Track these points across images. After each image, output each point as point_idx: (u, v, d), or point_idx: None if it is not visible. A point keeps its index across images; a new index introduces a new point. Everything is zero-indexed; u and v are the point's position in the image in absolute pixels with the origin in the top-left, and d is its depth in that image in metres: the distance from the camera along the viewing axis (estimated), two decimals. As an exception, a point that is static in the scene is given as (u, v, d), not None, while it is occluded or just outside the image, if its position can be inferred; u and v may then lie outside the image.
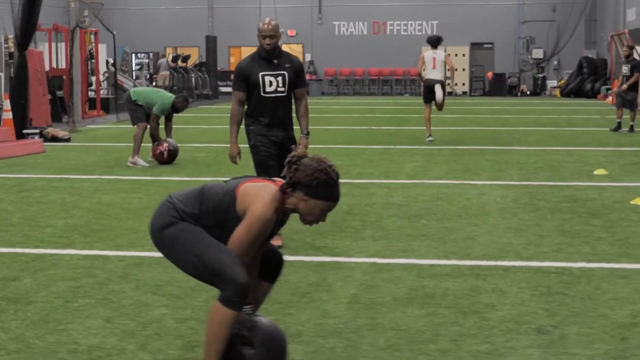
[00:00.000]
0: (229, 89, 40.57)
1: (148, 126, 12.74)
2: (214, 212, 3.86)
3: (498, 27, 39.59)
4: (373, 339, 4.71)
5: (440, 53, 16.40)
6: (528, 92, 38.95)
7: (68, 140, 16.74)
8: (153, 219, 3.98)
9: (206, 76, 35.86)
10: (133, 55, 40.24)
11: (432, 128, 16.77)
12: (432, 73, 16.29)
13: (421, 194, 9.98)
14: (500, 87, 38.67)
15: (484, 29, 39.72)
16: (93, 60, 25.19)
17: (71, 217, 8.56)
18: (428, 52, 16.41)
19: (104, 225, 8.13)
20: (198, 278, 3.90)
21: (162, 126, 13.22)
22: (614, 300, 5.53)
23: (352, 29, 41.25)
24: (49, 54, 24.22)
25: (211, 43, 36.37)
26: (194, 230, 3.87)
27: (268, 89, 6.93)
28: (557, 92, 38.01)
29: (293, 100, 7.14)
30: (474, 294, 5.67)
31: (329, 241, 7.35)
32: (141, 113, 12.70)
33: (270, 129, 7.01)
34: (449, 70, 16.87)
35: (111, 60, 29.72)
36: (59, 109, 22.49)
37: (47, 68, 24.74)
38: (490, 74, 39.12)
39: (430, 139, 16.28)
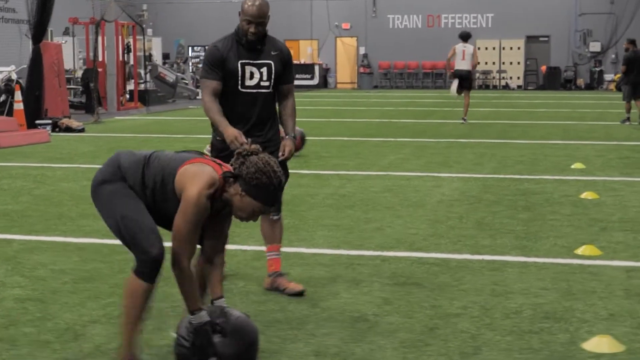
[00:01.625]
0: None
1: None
2: (153, 182, 3.91)
3: (554, 19, 38.88)
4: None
5: (469, 47, 18.77)
6: (583, 86, 38.20)
7: (82, 131, 17.13)
8: (97, 172, 4.05)
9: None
10: (189, 48, 40.87)
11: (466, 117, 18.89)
12: (461, 64, 18.66)
13: (375, 185, 9.97)
14: (554, 80, 38.00)
15: (540, 22, 39.06)
16: (130, 54, 25.55)
17: (15, 203, 8.82)
18: (459, 45, 18.78)
19: (38, 212, 8.36)
20: (120, 239, 3.94)
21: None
22: (461, 291, 5.49)
23: (406, 22, 41.04)
24: (86, 47, 24.77)
25: (262, 36, 36.64)
26: (128, 193, 3.92)
27: (248, 82, 5.33)
28: (612, 86, 37.19)
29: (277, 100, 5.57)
30: (325, 282, 5.69)
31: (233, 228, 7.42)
32: None
33: (245, 131, 5.31)
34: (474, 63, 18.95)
35: (154, 53, 30.22)
36: (92, 100, 22.97)
37: (83, 61, 25.37)
38: (544, 68, 38.47)
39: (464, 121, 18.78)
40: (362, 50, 41.45)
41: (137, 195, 3.93)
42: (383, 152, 13.31)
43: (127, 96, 25.55)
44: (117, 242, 6.23)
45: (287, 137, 5.50)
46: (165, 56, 36.80)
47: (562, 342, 4.51)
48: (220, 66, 5.33)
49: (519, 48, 39.49)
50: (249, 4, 5.25)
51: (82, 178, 10.59)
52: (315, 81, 40.26)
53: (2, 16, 31.54)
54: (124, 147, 14.06)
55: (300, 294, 5.32)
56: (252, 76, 5.34)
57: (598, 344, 4.40)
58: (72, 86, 24.04)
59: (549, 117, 21.10)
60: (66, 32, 25.85)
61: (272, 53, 5.38)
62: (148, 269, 3.82)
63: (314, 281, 5.72)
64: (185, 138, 15.62)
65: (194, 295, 3.87)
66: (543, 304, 5.18)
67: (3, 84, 18.32)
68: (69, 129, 17.01)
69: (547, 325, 4.77)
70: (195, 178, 3.78)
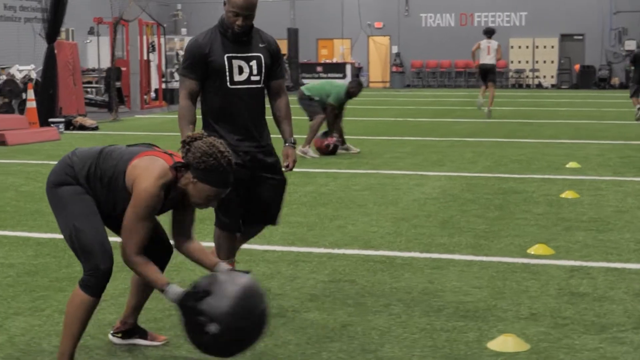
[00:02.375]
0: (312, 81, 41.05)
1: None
2: (106, 177, 3.88)
3: (589, 17, 38.45)
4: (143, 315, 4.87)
5: (494, 42, 19.90)
6: (617, 85, 37.71)
7: (95, 129, 17.34)
8: (51, 173, 4.02)
9: (287, 68, 36.32)
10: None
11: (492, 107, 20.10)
12: (486, 58, 19.90)
13: (358, 183, 9.97)
14: (587, 79, 37.56)
15: (575, 20, 38.65)
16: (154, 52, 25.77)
17: (-3, 199, 8.98)
18: (484, 41, 19.96)
19: (15, 207, 8.51)
20: (71, 248, 3.93)
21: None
22: (392, 289, 5.49)
23: (439, 20, 40.87)
24: (111, 46, 25.01)
25: (293, 35, 36.76)
26: (82, 199, 3.89)
27: (237, 78, 4.89)
28: (647, 85, 36.62)
29: (267, 98, 5.17)
30: (262, 278, 5.71)
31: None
32: (316, 106, 12.46)
33: (239, 138, 4.93)
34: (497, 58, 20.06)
35: (181, 53, 30.41)
36: (115, 99, 23.22)
37: (107, 60, 25.61)
38: (577, 67, 38.04)
39: (481, 107, 20.39)
40: (394, 49, 41.35)
41: (89, 192, 3.91)
42: (380, 151, 13.28)
43: (153, 95, 25.77)
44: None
45: (286, 144, 5.11)
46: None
47: (468, 340, 4.49)
48: (201, 62, 4.84)
49: (552, 47, 39.12)
50: None
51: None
52: (347, 80, 40.15)
53: (35, 16, 32.11)
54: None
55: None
56: (241, 71, 4.89)
57: (503, 343, 4.38)
58: (94, 85, 24.28)
59: (567, 115, 20.89)
60: (91, 32, 26.13)
61: (260, 45, 4.98)
62: (95, 284, 3.83)
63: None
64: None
65: (155, 275, 3.81)
66: (468, 303, 5.16)
67: (22, 83, 18.60)
68: (82, 127, 17.24)
69: (461, 324, 4.75)
70: (146, 171, 3.77)
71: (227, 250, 5.06)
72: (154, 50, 25.58)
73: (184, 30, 40.29)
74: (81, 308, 3.86)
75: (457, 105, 25.41)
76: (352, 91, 12.50)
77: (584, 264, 6.13)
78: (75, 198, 3.89)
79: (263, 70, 4.96)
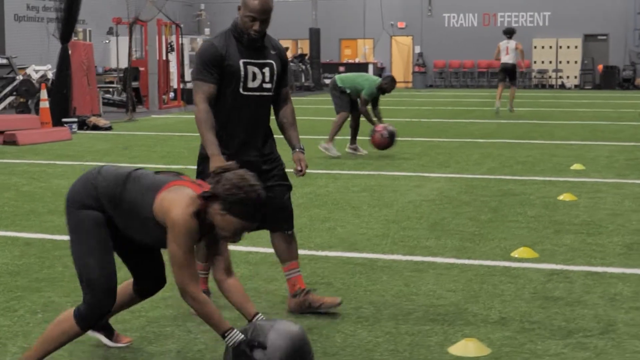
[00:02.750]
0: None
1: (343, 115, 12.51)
2: (130, 205, 3.79)
3: (613, 18, 38.15)
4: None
5: (512, 42, 20.80)
6: (640, 86, 37.41)
7: (109, 129, 17.45)
8: (72, 188, 3.94)
9: (308, 68, 36.38)
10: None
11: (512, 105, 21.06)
12: (506, 58, 20.79)
13: (357, 185, 9.95)
14: (611, 80, 37.23)
15: (598, 20, 38.36)
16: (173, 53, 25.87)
17: (-5, 199, 9.07)
18: (503, 42, 20.90)
19: (13, 207, 8.59)
20: (77, 273, 3.88)
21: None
22: (366, 292, 5.48)
23: (462, 20, 40.73)
24: (129, 46, 25.15)
25: (314, 35, 36.78)
26: (99, 233, 3.83)
27: (251, 84, 4.82)
28: (672, 85, 36.33)
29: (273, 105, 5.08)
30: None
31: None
32: (345, 101, 12.46)
33: (245, 146, 4.87)
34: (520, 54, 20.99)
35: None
36: (133, 99, 23.35)
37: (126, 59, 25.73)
38: (600, 67, 37.74)
39: (497, 108, 20.90)
40: (417, 49, 41.26)
41: (109, 218, 3.84)
42: (388, 152, 13.24)
43: (172, 94, 25.88)
44: (62, 238, 6.47)
45: (297, 150, 5.01)
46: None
47: (430, 344, 4.47)
48: (218, 66, 4.75)
49: (576, 47, 38.85)
50: None
51: (75, 175, 10.80)
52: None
53: (56, 16, 32.30)
54: (140, 144, 14.36)
55: (338, 304, 4.97)
56: (254, 77, 4.82)
57: (463, 347, 4.36)
58: (113, 85, 24.43)
59: (584, 116, 20.73)
60: (110, 32, 26.29)
61: (272, 52, 4.91)
62: (89, 318, 3.83)
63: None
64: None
65: (216, 317, 3.69)
66: (439, 306, 5.14)
67: (38, 82, 18.76)
68: (96, 127, 17.35)
69: (427, 328, 4.73)
70: (174, 202, 3.67)
71: (284, 254, 5.09)
72: (172, 50, 25.68)
73: (207, 30, 40.46)
74: (66, 334, 3.86)
75: (476, 106, 25.31)
76: (385, 87, 12.40)
77: (565, 267, 6.09)
78: (94, 230, 3.84)
79: (275, 78, 4.90)
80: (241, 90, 4.79)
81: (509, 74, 20.79)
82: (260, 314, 3.85)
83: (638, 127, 17.69)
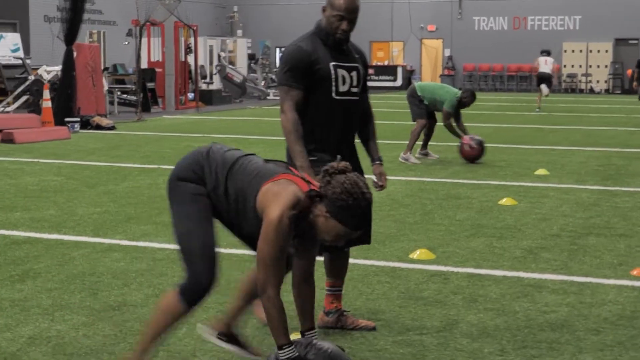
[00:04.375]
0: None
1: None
2: (236, 190, 3.68)
3: (645, 22, 37.80)
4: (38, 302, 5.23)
5: (550, 59, 25.05)
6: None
7: (111, 129, 17.89)
8: (178, 164, 3.84)
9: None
10: (277, 49, 41.56)
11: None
12: (544, 68, 24.66)
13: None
14: (640, 85, 36.83)
15: (630, 24, 37.99)
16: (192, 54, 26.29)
17: (-42, 195, 9.48)
18: (541, 58, 25.03)
19: (-32, 203, 8.99)
20: (177, 244, 3.77)
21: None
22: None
23: (492, 24, 40.64)
24: (148, 47, 25.71)
25: (342, 38, 36.99)
26: (202, 203, 3.71)
27: (342, 88, 4.62)
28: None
29: None
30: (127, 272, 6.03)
31: (130, 226, 7.85)
32: (423, 109, 12.38)
33: (334, 153, 4.47)
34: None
35: (223, 54, 30.99)
36: (148, 100, 23.86)
37: (143, 61, 26.25)
38: (630, 72, 37.36)
39: (538, 111, 24.31)
40: (447, 52, 41.27)
41: (214, 201, 3.73)
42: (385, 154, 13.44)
43: (190, 95, 26.31)
44: (14, 233, 6.83)
45: (377, 162, 4.85)
46: (251, 57, 37.57)
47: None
48: (307, 71, 4.53)
49: (606, 51, 38.55)
50: None
51: (49, 173, 11.22)
52: (398, 83, 40.33)
53: (88, 17, 33.03)
54: (131, 144, 14.74)
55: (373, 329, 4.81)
56: (344, 81, 4.61)
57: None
58: (128, 86, 24.92)
59: (590, 122, 20.68)
60: (129, 34, 26.80)
61: (356, 55, 4.75)
62: (193, 295, 3.69)
63: (168, 277, 6.04)
64: (202, 137, 16.13)
65: (282, 327, 3.55)
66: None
67: (50, 83, 19.26)
68: (99, 127, 17.80)
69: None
70: (278, 198, 3.50)
71: (338, 269, 4.92)
72: (191, 51, 26.11)
73: (239, 32, 40.98)
74: (171, 315, 3.73)
75: (494, 110, 25.28)
76: (464, 101, 12.35)
77: (451, 269, 6.27)
78: (196, 199, 3.72)
79: (361, 82, 4.73)
80: (333, 94, 4.58)
81: (546, 81, 24.51)
82: (315, 331, 3.82)
83: (633, 133, 17.64)
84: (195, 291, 3.68)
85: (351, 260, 6.31)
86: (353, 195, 3.46)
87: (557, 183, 10.57)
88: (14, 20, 26.39)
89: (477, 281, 5.97)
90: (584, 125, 19.55)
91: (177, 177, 3.78)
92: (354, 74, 4.64)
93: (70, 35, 17.46)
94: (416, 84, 12.74)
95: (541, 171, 11.50)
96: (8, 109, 19.72)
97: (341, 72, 4.58)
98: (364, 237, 4.81)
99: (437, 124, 13.09)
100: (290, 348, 3.54)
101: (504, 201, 9.13)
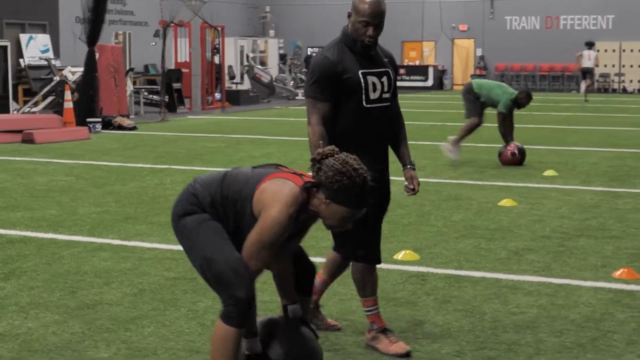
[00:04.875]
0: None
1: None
2: (232, 203, 3.64)
3: (679, 21, 37.33)
4: None
5: (592, 52, 27.99)
6: None
7: (133, 129, 18.10)
8: (174, 205, 3.79)
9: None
10: (308, 49, 41.66)
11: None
12: (587, 63, 27.58)
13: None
14: (673, 84, 36.46)
15: (665, 23, 37.55)
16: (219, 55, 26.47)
17: (-33, 195, 9.69)
18: (585, 51, 27.93)
19: (-25, 202, 9.18)
20: (204, 278, 3.70)
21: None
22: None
23: (524, 23, 40.35)
24: (175, 48, 25.95)
25: (372, 38, 36.99)
26: (210, 226, 3.65)
27: (372, 96, 4.52)
28: None
29: None
30: (161, 280, 6.14)
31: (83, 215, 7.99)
32: (478, 107, 12.21)
33: (372, 165, 4.19)
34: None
35: (251, 55, 31.16)
36: (174, 100, 24.09)
37: (171, 61, 26.51)
38: (662, 71, 36.97)
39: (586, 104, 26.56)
40: (479, 52, 41.09)
41: (215, 218, 3.69)
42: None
43: (218, 96, 26.48)
44: (11, 232, 7.00)
45: (408, 166, 4.74)
46: (282, 57, 37.72)
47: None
48: (334, 82, 4.44)
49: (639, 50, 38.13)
50: (366, 2, 4.41)
51: (61, 173, 11.41)
52: (429, 83, 40.24)
53: (120, 18, 33.39)
54: (148, 144, 14.92)
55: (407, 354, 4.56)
56: (374, 88, 4.51)
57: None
58: (153, 86, 25.17)
59: (613, 122, 20.50)
60: (156, 35, 27.07)
61: (385, 60, 4.63)
62: (235, 313, 3.56)
63: (149, 277, 6.15)
64: (220, 137, 16.27)
65: (250, 323, 3.70)
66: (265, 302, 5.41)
67: (74, 83, 19.53)
68: (121, 127, 18.02)
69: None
70: (276, 197, 3.48)
71: (373, 285, 4.70)
72: (218, 52, 26.28)
73: (271, 32, 41.13)
74: (227, 341, 3.60)
75: (520, 110, 25.04)
76: (520, 102, 12.17)
77: (431, 270, 6.31)
78: (202, 226, 3.65)
79: (392, 87, 4.61)
80: (364, 103, 4.48)
81: (587, 75, 27.81)
82: (295, 305, 3.90)
83: (656, 134, 17.49)
84: (236, 311, 3.55)
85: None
86: (346, 174, 3.46)
87: (563, 184, 10.53)
88: (44, 22, 26.69)
89: (455, 282, 6.00)
90: (606, 126, 19.38)
91: (177, 216, 3.73)
92: (384, 79, 4.53)
93: (92, 37, 17.67)
94: (473, 80, 12.61)
95: (549, 172, 11.46)
96: (34, 109, 20.03)
97: (371, 79, 4.48)
98: (373, 258, 4.70)
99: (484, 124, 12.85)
100: (255, 340, 3.77)
101: (504, 202, 9.13)
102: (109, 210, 8.73)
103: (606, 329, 4.98)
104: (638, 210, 8.80)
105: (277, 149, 14.40)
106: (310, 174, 3.60)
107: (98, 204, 9.08)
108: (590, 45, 28.55)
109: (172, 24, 21.67)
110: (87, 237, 7.41)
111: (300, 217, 3.56)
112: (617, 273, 6.20)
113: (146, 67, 31.58)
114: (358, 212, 3.54)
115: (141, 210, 8.74)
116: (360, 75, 4.44)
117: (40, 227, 7.81)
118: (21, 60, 24.86)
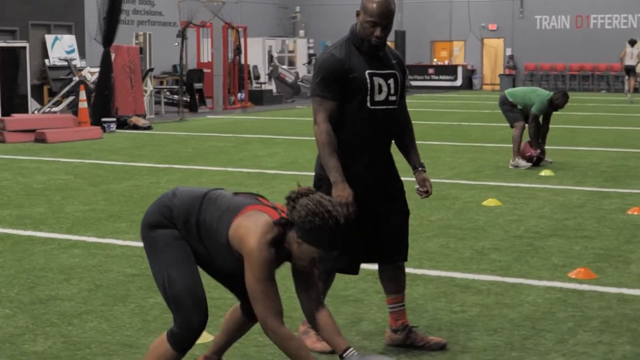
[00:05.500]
0: (424, 83, 41.11)
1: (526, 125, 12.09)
2: (206, 228, 3.60)
3: None
4: None
5: (635, 50, 28.49)
6: None
7: (148, 128, 18.33)
8: (146, 212, 3.75)
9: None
10: (337, 49, 41.76)
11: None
12: (629, 61, 28.44)
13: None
14: None
15: (696, 22, 37.09)
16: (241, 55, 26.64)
17: (-36, 193, 9.93)
18: (628, 48, 28.64)
19: (-30, 200, 9.41)
20: (163, 297, 3.67)
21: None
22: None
23: (554, 22, 40.06)
24: (197, 48, 26.19)
25: (400, 38, 37.00)
26: (178, 245, 3.64)
27: (377, 97, 4.44)
28: None
29: None
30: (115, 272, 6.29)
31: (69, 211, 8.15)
32: (517, 112, 11.98)
33: (371, 167, 4.47)
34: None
35: (275, 55, 31.33)
36: (195, 100, 24.33)
37: (193, 62, 26.77)
38: (694, 70, 36.46)
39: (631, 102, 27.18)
40: (508, 52, 40.87)
41: (185, 238, 3.66)
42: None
43: (241, 95, 26.67)
44: None
45: (419, 169, 4.68)
46: (310, 57, 37.84)
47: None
48: (340, 80, 4.37)
49: (671, 50, 37.64)
50: (374, 1, 4.33)
51: (62, 172, 11.63)
52: (458, 82, 40.11)
53: (148, 19, 33.74)
54: (157, 144, 15.13)
55: (444, 345, 4.64)
56: (380, 89, 4.42)
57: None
58: (174, 87, 25.42)
59: (631, 122, 20.33)
60: (179, 35, 27.31)
61: (393, 61, 4.54)
62: (184, 339, 3.58)
63: (111, 273, 6.32)
64: (230, 137, 16.44)
65: (303, 355, 3.48)
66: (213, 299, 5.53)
67: (93, 84, 19.82)
68: (136, 127, 18.26)
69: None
70: (250, 230, 3.45)
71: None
72: (240, 52, 26.46)
73: (301, 32, 41.33)
74: (163, 359, 3.62)
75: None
76: (557, 103, 11.91)
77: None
78: (171, 244, 3.63)
79: (399, 89, 4.51)
80: (368, 104, 4.40)
81: (631, 72, 28.44)
82: (351, 349, 3.59)
83: (669, 134, 17.32)
84: (185, 335, 3.57)
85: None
86: (318, 215, 3.40)
87: (556, 184, 10.52)
88: (70, 23, 27.06)
89: (409, 281, 6.00)
90: (622, 126, 19.22)
91: (148, 225, 3.69)
92: (391, 81, 4.44)
93: (107, 37, 17.92)
94: (505, 91, 12.38)
95: (546, 172, 11.45)
96: (55, 109, 20.33)
97: (377, 80, 4.40)
98: (398, 256, 4.67)
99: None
100: None
101: (488, 202, 9.16)
102: (96, 208, 8.90)
103: (541, 327, 5.02)
104: (622, 210, 8.77)
105: (284, 149, 14.51)
106: (283, 208, 3.55)
107: (87, 202, 9.26)
108: (633, 43, 28.91)
109: (191, 25, 21.84)
110: (65, 235, 7.58)
111: (280, 252, 3.49)
112: (574, 273, 6.21)
113: (174, 67, 31.89)
114: (330, 254, 3.52)
115: (127, 208, 8.90)
116: (367, 76, 4.37)
117: (22, 225, 8.00)
118: (46, 61, 25.24)
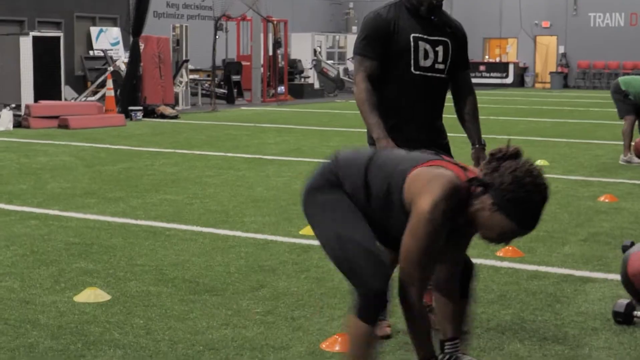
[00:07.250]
0: (475, 80, 40.76)
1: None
2: (377, 190, 3.17)
3: None
4: None
5: None
6: None
7: (174, 117, 18.71)
8: (310, 177, 3.38)
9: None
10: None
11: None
12: None
13: (297, 171, 10.50)
14: None
15: None
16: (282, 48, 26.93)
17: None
18: None
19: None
20: (332, 260, 3.24)
21: None
22: (94, 253, 6.17)
23: (607, 20, 39.50)
24: (237, 41, 26.54)
25: (448, 34, 36.94)
26: (345, 205, 3.20)
27: (422, 63, 4.24)
28: None
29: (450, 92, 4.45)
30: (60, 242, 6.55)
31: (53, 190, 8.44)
32: (629, 104, 11.30)
33: (414, 136, 4.22)
34: None
35: (319, 49, 31.54)
36: (233, 93, 24.70)
37: (233, 54, 27.10)
38: None
39: None
40: (561, 49, 40.44)
41: (358, 207, 3.22)
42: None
43: (281, 88, 26.93)
44: None
45: (477, 146, 4.39)
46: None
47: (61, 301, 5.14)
48: (384, 40, 4.19)
49: None
50: None
51: (66, 154, 12.01)
52: (509, 80, 39.84)
53: (198, 13, 34.22)
54: (175, 131, 15.45)
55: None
56: (426, 55, 4.22)
57: (86, 295, 5.00)
58: (207, 78, 25.79)
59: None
60: (219, 28, 27.69)
61: (448, 30, 4.30)
62: (367, 307, 3.10)
63: (52, 242, 6.60)
64: (252, 127, 16.69)
65: (424, 338, 3.15)
66: (162, 270, 5.74)
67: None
68: (163, 116, 18.64)
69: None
70: (431, 185, 2.99)
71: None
72: (280, 46, 26.73)
73: (354, 28, 41.44)
74: (358, 339, 3.15)
75: (578, 106, 24.77)
76: None
77: (314, 243, 6.48)
78: (340, 202, 3.21)
79: (449, 59, 4.29)
80: (412, 69, 4.22)
81: None
82: (457, 341, 3.36)
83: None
84: (369, 303, 3.10)
85: (226, 232, 6.71)
86: (526, 187, 2.97)
87: (545, 173, 10.47)
88: (115, 15, 27.67)
89: (334, 255, 6.16)
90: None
91: (313, 189, 3.30)
92: (439, 48, 4.23)
93: (136, 28, 18.33)
94: (619, 78, 11.66)
95: (541, 162, 11.39)
96: (91, 98, 20.84)
97: (423, 44, 4.20)
98: None
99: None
100: None
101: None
102: (77, 186, 9.20)
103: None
104: (591, 198, 8.75)
105: (295, 137, 14.69)
106: (476, 170, 3.13)
107: (72, 180, 9.56)
108: None
109: (225, 17, 22.16)
110: (31, 208, 7.88)
111: (457, 218, 3.07)
112: (501, 251, 6.26)
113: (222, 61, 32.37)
114: (523, 232, 3.05)
115: (106, 187, 9.17)
116: (412, 39, 4.19)
117: (-3, 199, 8.32)
118: (91, 52, 25.89)
